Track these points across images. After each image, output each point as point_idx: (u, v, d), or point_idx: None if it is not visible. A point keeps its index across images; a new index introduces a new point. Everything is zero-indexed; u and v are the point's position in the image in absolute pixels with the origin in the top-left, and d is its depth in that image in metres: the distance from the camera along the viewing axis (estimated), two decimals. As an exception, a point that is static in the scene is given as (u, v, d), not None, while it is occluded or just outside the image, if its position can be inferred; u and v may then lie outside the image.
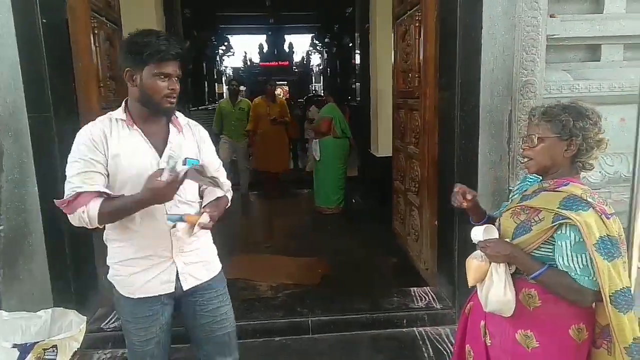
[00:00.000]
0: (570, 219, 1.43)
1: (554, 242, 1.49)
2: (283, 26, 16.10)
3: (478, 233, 1.62)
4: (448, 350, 2.77)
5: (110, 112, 1.69)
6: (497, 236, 1.64)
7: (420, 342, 2.87)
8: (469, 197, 1.72)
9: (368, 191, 6.37)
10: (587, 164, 1.55)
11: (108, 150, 1.61)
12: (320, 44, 17.26)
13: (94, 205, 1.54)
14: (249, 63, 19.27)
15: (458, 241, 2.99)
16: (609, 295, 1.40)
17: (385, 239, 4.54)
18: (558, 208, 1.46)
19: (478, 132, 2.70)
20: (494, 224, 1.69)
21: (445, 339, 2.90)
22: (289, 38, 18.52)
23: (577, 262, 1.44)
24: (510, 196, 1.80)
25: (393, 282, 3.57)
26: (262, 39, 18.50)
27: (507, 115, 2.58)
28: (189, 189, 1.73)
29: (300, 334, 2.95)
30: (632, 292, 1.45)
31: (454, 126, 2.94)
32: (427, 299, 3.22)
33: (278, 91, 17.89)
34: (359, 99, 7.42)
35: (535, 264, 1.52)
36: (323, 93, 10.17)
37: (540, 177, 1.63)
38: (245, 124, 6.23)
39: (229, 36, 16.33)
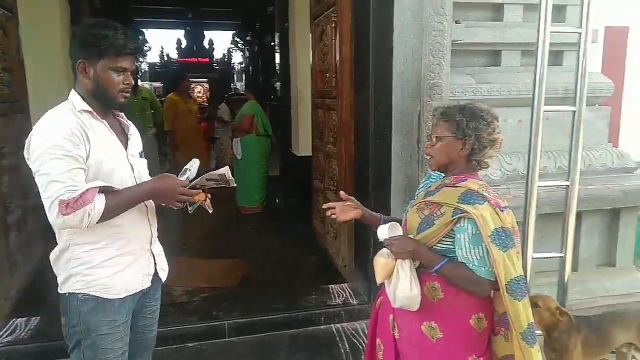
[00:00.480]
0: (467, 212, 1.51)
1: (454, 235, 1.57)
2: (202, 22, 15.64)
3: (384, 231, 1.67)
4: (364, 345, 2.83)
5: (66, 103, 1.56)
6: (401, 233, 1.70)
7: (338, 339, 2.91)
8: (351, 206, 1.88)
9: (289, 190, 6.37)
10: (482, 162, 1.63)
11: (89, 145, 1.51)
12: (241, 42, 17.01)
13: (100, 202, 1.46)
14: (166, 58, 18.53)
15: (373, 238, 3.06)
16: (505, 284, 1.49)
17: (306, 237, 4.55)
18: (457, 202, 1.55)
19: (391, 132, 2.78)
20: (400, 222, 1.75)
21: (362, 334, 2.96)
22: (209, 34, 18.05)
23: (475, 254, 1.52)
24: (416, 193, 1.87)
25: (312, 281, 3.58)
26: (180, 34, 17.86)
27: (417, 116, 2.69)
28: (145, 174, 1.75)
29: (216, 338, 2.87)
30: (526, 280, 1.55)
31: (368, 126, 3.01)
32: (345, 295, 3.27)
33: (199, 89, 17.38)
34: (279, 97, 7.41)
35: (437, 258, 1.59)
36: (244, 91, 10.02)
37: (443, 174, 1.71)
38: (149, 115, 5.89)
39: (144, 30, 15.59)
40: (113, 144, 1.61)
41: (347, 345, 2.84)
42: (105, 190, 1.49)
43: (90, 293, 1.58)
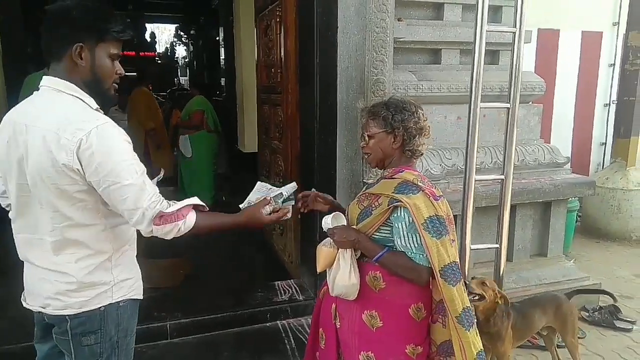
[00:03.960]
0: (402, 201, 1.56)
1: (391, 225, 1.61)
2: (144, 14, 15.09)
3: (328, 221, 1.70)
4: (310, 340, 2.84)
5: (69, 98, 1.36)
6: (344, 223, 1.73)
7: (283, 335, 2.90)
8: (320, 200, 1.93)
9: (236, 188, 6.27)
10: (415, 151, 1.68)
11: None
12: (185, 36, 16.57)
13: (191, 219, 1.43)
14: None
15: (319, 233, 3.07)
16: (439, 270, 1.53)
17: (253, 235, 4.48)
18: (393, 192, 1.60)
19: (336, 127, 2.79)
20: (343, 213, 1.77)
21: (307, 329, 2.95)
22: (150, 27, 17.46)
23: (412, 242, 1.57)
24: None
25: (258, 278, 3.55)
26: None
27: (360, 112, 2.71)
28: None
29: (158, 340, 2.78)
30: (459, 266, 1.59)
31: (314, 122, 3.01)
32: (291, 291, 3.26)
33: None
34: (224, 93, 7.28)
35: (377, 247, 1.62)
36: (188, 86, 9.75)
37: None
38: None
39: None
40: None
41: (292, 341, 2.83)
42: (196, 207, 1.47)
43: (131, 297, 1.51)
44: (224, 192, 6.16)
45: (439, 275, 1.54)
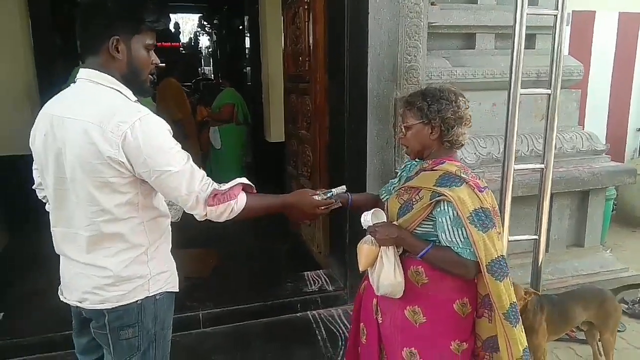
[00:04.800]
0: (445, 195, 1.50)
1: (434, 219, 1.56)
2: (167, 4, 15.15)
3: (367, 218, 1.65)
4: (341, 331, 2.82)
5: (110, 92, 1.35)
6: (384, 219, 1.68)
7: (314, 326, 2.89)
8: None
9: (261, 178, 6.27)
10: (455, 142, 1.61)
11: None
12: (209, 26, 16.59)
13: (242, 199, 1.45)
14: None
15: (349, 223, 3.05)
16: (486, 265, 1.48)
17: (280, 225, 4.46)
18: (434, 186, 1.54)
19: (366, 117, 2.74)
20: (382, 208, 1.72)
21: (338, 320, 2.94)
22: (174, 17, 17.54)
23: (458, 236, 1.51)
24: (392, 181, 1.85)
25: (287, 268, 3.54)
26: (145, 17, 17.30)
27: (393, 100, 2.65)
28: None
29: (191, 329, 2.80)
30: (507, 261, 1.54)
31: (343, 111, 2.96)
32: (320, 282, 3.24)
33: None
34: (250, 83, 7.25)
35: (421, 243, 1.57)
36: (219, 78, 9.72)
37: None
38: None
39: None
40: None
41: (324, 332, 2.82)
42: (245, 189, 1.48)
43: (167, 290, 1.51)
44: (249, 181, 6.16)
45: (485, 270, 1.49)
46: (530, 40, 3.27)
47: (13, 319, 2.77)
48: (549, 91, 2.24)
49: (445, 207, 1.52)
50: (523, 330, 1.55)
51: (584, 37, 5.11)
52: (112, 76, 1.36)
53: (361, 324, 1.83)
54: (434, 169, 1.60)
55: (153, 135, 1.31)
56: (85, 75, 1.37)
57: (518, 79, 2.16)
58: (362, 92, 2.74)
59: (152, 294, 1.46)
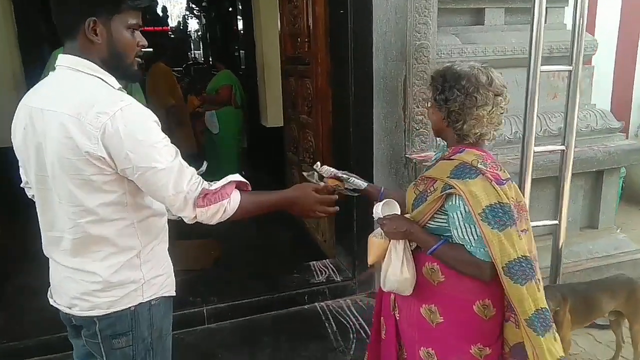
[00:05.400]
0: (455, 187, 1.36)
1: (447, 213, 1.43)
2: (154, -16, 14.78)
3: (378, 209, 1.53)
4: (351, 323, 2.72)
5: (88, 78, 1.21)
6: (397, 211, 1.56)
7: (323, 318, 2.79)
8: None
9: (258, 163, 6.13)
10: (465, 137, 1.43)
11: None
12: (197, 8, 16.23)
13: (236, 198, 1.32)
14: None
15: (356, 211, 2.93)
16: (502, 267, 1.33)
17: (281, 213, 4.33)
18: (448, 177, 1.40)
19: (372, 99, 2.61)
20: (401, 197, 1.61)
21: (348, 312, 2.84)
22: (161, 1, 17.15)
23: (471, 234, 1.37)
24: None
25: (292, 258, 3.42)
26: (132, 1, 16.90)
27: (402, 80, 2.51)
28: None
29: (195, 326, 2.69)
30: (532, 261, 1.37)
31: (347, 93, 2.81)
32: (327, 272, 3.14)
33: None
34: (243, 66, 7.05)
35: (431, 239, 1.45)
36: (211, 61, 9.49)
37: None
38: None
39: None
40: None
41: (333, 325, 2.72)
42: (238, 186, 1.35)
43: (163, 295, 1.39)
44: (245, 168, 6.02)
45: (502, 272, 1.33)
46: (540, 14, 3.12)
47: (8, 319, 2.65)
48: (570, 67, 2.11)
49: (457, 202, 1.38)
50: (558, 338, 1.41)
51: (589, 9, 4.96)
52: (92, 62, 1.22)
53: (382, 318, 1.72)
54: (451, 157, 1.46)
55: (136, 127, 1.16)
56: (64, 62, 1.23)
57: (538, 55, 2.03)
58: (367, 73, 2.60)
59: (147, 299, 1.34)
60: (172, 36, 18.06)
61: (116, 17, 1.21)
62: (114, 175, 1.19)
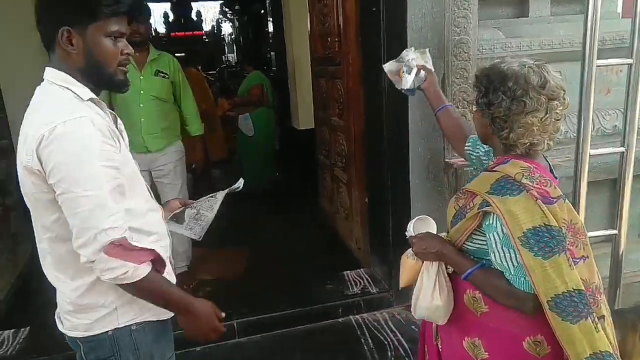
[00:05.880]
0: (492, 205, 1.18)
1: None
2: (188, -7, 15.02)
3: (410, 227, 1.40)
4: (388, 339, 2.56)
5: (57, 90, 1.15)
6: (433, 228, 1.42)
7: (359, 333, 2.63)
8: None
9: (289, 167, 6.02)
10: (512, 146, 1.25)
11: (120, 147, 1.19)
12: (230, 12, 16.36)
13: (143, 270, 1.15)
14: (154, 34, 17.94)
15: (392, 218, 2.77)
16: (547, 300, 1.14)
17: (312, 217, 4.25)
18: (487, 192, 1.22)
19: (407, 101, 2.44)
20: None
21: (385, 326, 2.68)
22: (196, 6, 17.38)
23: (510, 260, 1.19)
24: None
25: (325, 267, 3.28)
26: (167, 6, 17.21)
27: (440, 79, 2.33)
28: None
29: (225, 339, 2.59)
30: (586, 296, 1.16)
31: (381, 94, 2.65)
32: (362, 282, 2.98)
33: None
34: (274, 68, 6.99)
35: (466, 263, 1.28)
36: (242, 64, 9.51)
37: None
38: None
39: (149, 5, 15.01)
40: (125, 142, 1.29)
41: (370, 340, 2.56)
42: (155, 261, 1.20)
43: (148, 319, 1.28)
44: (277, 170, 5.92)
45: (547, 307, 1.15)
46: (584, 3, 2.87)
47: (36, 334, 2.61)
48: (630, 60, 1.89)
49: (494, 221, 1.20)
50: None
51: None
52: (69, 73, 1.16)
53: (425, 346, 1.57)
54: (494, 169, 1.27)
55: (72, 140, 1.06)
56: (45, 75, 1.19)
57: (594, 49, 1.82)
58: (402, 73, 2.43)
59: (124, 324, 1.24)
60: (206, 40, 18.32)
61: (93, 26, 1.15)
62: (52, 193, 1.10)
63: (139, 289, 1.17)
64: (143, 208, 1.27)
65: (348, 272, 3.10)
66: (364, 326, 2.69)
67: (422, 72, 1.85)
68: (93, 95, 1.19)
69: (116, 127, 1.27)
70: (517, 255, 1.16)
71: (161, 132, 2.95)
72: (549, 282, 1.14)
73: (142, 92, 2.83)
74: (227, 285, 3.10)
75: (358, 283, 2.97)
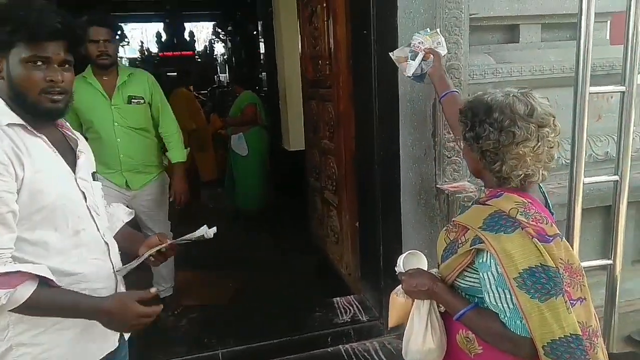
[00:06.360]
0: (486, 243, 1.13)
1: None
2: (181, 13, 15.09)
3: (400, 261, 1.34)
4: (379, 369, 2.48)
5: None
6: (424, 264, 1.35)
7: (348, 363, 2.56)
8: None
9: (280, 187, 5.96)
10: (505, 179, 1.19)
11: (23, 172, 1.11)
12: (223, 33, 16.47)
13: (24, 291, 1.07)
14: (146, 53, 17.95)
15: (383, 243, 2.71)
16: (542, 346, 1.09)
17: (302, 240, 4.16)
18: (480, 228, 1.16)
19: (398, 125, 2.41)
20: None
21: (374, 355, 2.60)
22: (189, 26, 17.47)
23: (506, 301, 1.13)
24: None
25: (314, 293, 3.20)
26: (159, 27, 17.28)
27: (431, 105, 2.31)
28: (100, 205, 1.32)
29: (211, 370, 2.50)
30: (583, 341, 1.10)
31: (372, 118, 2.62)
32: (352, 310, 2.90)
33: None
34: (265, 88, 6.98)
35: (458, 302, 1.22)
36: (230, 84, 9.51)
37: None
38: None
39: (121, 24, 15.04)
40: (56, 167, 1.20)
41: (359, 371, 2.49)
42: (43, 280, 1.11)
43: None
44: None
45: (541, 352, 1.09)
46: (574, 29, 2.88)
47: None
48: (622, 88, 1.87)
49: (488, 260, 1.14)
50: None
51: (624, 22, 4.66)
52: (1, 97, 1.16)
53: None
54: (487, 202, 1.22)
55: None
56: None
57: (587, 75, 1.80)
58: (393, 97, 2.41)
59: None
60: (199, 60, 18.39)
61: (13, 51, 1.12)
62: None
63: (31, 309, 1.10)
64: (65, 244, 1.19)
65: (338, 298, 3.02)
66: (353, 356, 2.60)
67: (431, 57, 1.82)
68: (14, 119, 1.14)
69: (75, 151, 1.26)
70: (513, 297, 1.10)
71: (144, 168, 2.68)
72: (545, 326, 1.08)
73: (116, 124, 2.53)
74: (213, 312, 3.00)
75: (348, 310, 2.89)
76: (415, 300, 1.30)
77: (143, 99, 2.61)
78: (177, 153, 2.79)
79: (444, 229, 1.34)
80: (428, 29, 2.02)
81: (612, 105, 2.75)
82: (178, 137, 2.82)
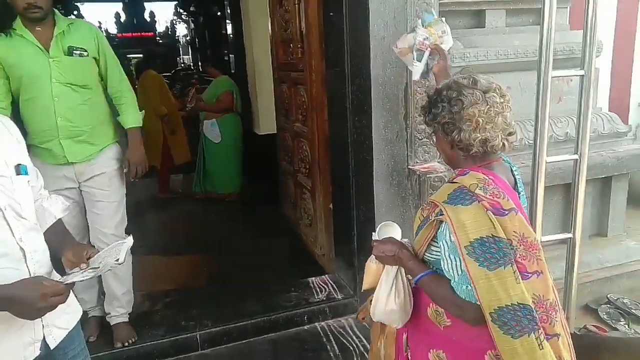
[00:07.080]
0: (444, 214, 1.22)
1: None
2: (142, -7, 14.63)
3: (377, 231, 1.45)
4: (353, 345, 2.57)
5: None
6: (397, 234, 1.45)
7: (324, 340, 2.63)
8: None
9: (251, 171, 5.96)
10: (466, 149, 1.26)
11: None
12: (185, 13, 16.05)
13: None
14: (104, 34, 17.39)
15: (356, 224, 2.79)
16: (489, 312, 1.15)
17: (276, 224, 4.21)
18: (444, 202, 1.24)
19: (371, 108, 2.46)
20: None
21: (350, 331, 2.69)
22: (149, 6, 16.95)
23: (455, 267, 1.22)
24: None
25: (289, 274, 3.25)
26: (118, 7, 16.69)
27: (403, 88, 2.38)
28: (25, 203, 1.20)
29: (188, 352, 2.53)
30: (533, 311, 1.16)
31: (344, 101, 2.67)
32: (327, 289, 2.98)
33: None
34: (233, 71, 6.89)
35: (419, 268, 1.31)
36: (204, 66, 9.24)
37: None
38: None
39: (78, 4, 14.40)
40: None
41: (335, 347, 2.57)
42: None
43: None
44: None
45: (489, 318, 1.15)
46: (537, 14, 3.00)
47: None
48: (582, 72, 1.98)
49: (445, 230, 1.23)
50: None
51: (583, 3, 4.84)
52: None
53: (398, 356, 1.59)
54: (454, 180, 1.30)
55: None
56: None
57: (549, 60, 1.90)
58: (365, 81, 2.46)
59: None
60: (160, 41, 17.89)
61: None
62: None
63: None
64: None
65: (313, 278, 3.09)
66: (329, 332, 2.69)
67: (436, 52, 1.86)
68: None
69: None
70: (462, 264, 1.18)
71: (88, 137, 2.22)
72: (492, 293, 1.14)
73: (54, 80, 2.10)
74: (189, 295, 3.02)
75: (323, 290, 2.97)
76: (386, 266, 1.39)
77: (86, 51, 2.18)
78: (130, 117, 2.36)
79: (420, 207, 1.43)
80: (433, 14, 1.98)
81: (572, 88, 2.89)
82: (131, 97, 2.39)
